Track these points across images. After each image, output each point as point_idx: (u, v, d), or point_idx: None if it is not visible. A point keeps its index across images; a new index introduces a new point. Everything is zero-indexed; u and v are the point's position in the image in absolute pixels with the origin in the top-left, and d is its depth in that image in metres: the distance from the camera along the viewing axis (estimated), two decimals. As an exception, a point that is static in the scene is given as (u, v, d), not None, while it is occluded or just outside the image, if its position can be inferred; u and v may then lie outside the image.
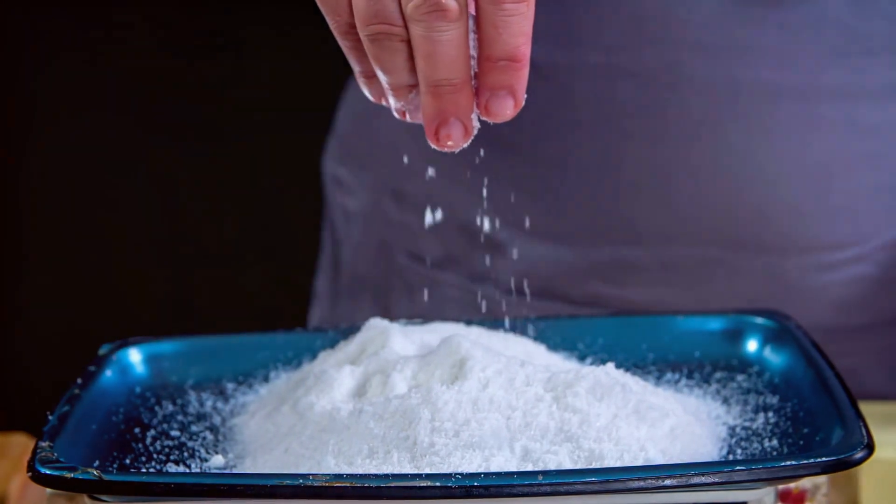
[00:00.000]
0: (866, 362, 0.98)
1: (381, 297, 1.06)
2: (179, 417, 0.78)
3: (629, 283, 0.98)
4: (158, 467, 0.72)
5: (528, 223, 0.99)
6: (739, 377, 0.80)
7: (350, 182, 1.09)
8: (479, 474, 0.64)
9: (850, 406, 0.69)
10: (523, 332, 0.82)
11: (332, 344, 0.81)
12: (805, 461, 0.65)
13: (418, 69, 0.66)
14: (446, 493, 0.63)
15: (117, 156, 1.99)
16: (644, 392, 0.73)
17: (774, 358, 0.80)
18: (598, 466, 0.67)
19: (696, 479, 0.63)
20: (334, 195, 1.12)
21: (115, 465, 0.72)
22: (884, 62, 0.93)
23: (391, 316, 0.82)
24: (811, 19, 0.92)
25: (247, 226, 1.98)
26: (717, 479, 0.64)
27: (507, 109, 0.67)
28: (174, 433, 0.76)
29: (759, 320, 0.82)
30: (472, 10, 0.66)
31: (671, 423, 0.70)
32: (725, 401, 0.77)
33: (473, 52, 0.67)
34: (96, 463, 0.70)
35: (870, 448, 0.65)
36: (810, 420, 0.72)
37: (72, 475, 0.65)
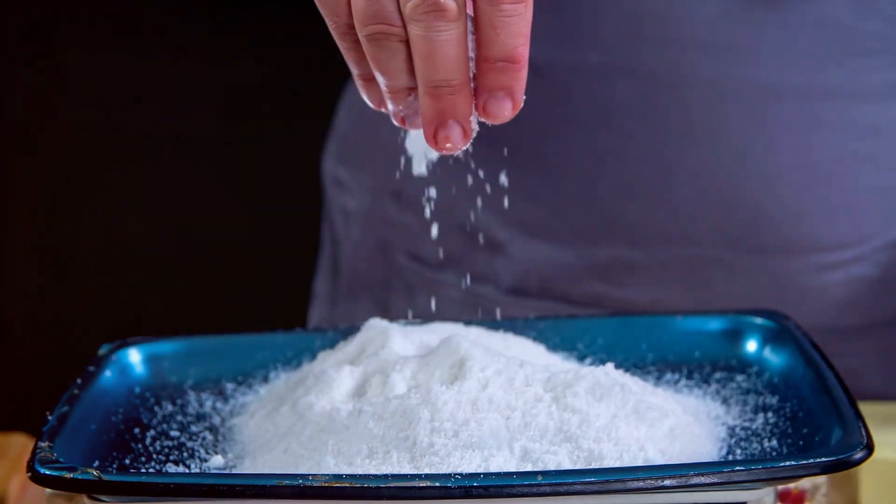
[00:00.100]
0: (866, 363, 0.99)
1: (380, 298, 1.06)
2: (179, 417, 0.78)
3: (629, 284, 0.98)
4: (158, 467, 0.72)
5: (527, 223, 0.99)
6: (739, 377, 0.80)
7: (349, 182, 1.09)
8: (478, 474, 0.64)
9: (850, 406, 0.69)
10: (523, 333, 0.82)
11: (332, 344, 0.81)
12: (804, 461, 0.65)
13: (417, 70, 0.66)
14: (445, 493, 0.63)
15: (117, 155, 1.99)
16: (643, 392, 0.73)
17: (774, 358, 0.80)
18: (597, 467, 0.67)
19: (695, 480, 0.63)
20: (334, 195, 1.12)
21: (114, 466, 0.72)
22: (883, 62, 0.93)
23: (391, 316, 0.82)
24: (811, 19, 0.92)
25: (246, 226, 1.98)
26: (716, 480, 0.64)
27: (505, 111, 0.67)
28: (174, 433, 0.76)
29: (759, 320, 0.82)
30: (470, 12, 0.66)
31: (670, 423, 0.70)
32: (725, 401, 0.77)
33: (472, 54, 0.67)
34: (96, 463, 0.71)
35: (869, 448, 0.65)
36: (810, 420, 0.72)
37: (71, 475, 0.65)
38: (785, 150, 0.94)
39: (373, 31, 0.65)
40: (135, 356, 0.81)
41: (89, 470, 0.66)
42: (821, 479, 0.69)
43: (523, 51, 0.66)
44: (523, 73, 0.66)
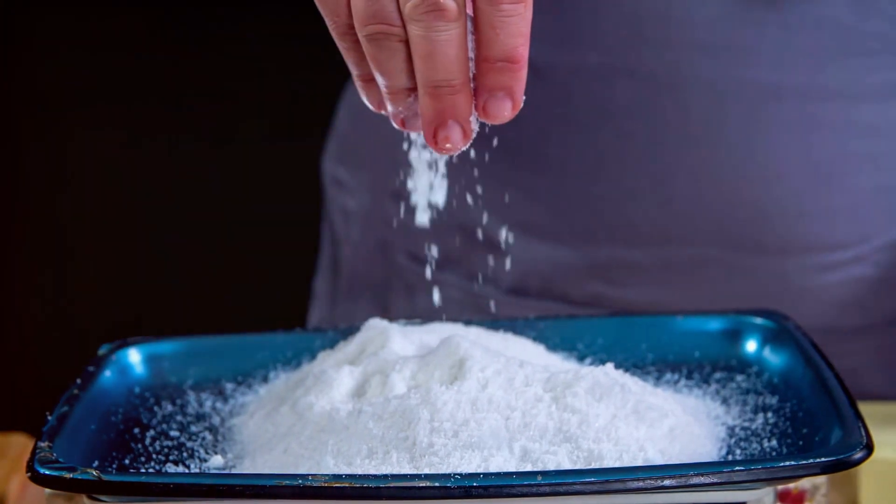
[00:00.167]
0: (866, 363, 0.98)
1: (380, 298, 1.06)
2: (179, 418, 0.78)
3: (629, 284, 0.98)
4: (157, 467, 0.72)
5: (527, 223, 0.99)
6: (739, 377, 0.80)
7: (349, 182, 1.09)
8: (478, 474, 0.64)
9: (850, 406, 0.69)
10: (522, 333, 0.82)
11: (332, 344, 0.81)
12: (804, 461, 0.65)
13: (417, 70, 0.66)
14: (445, 493, 0.63)
15: (116, 155, 1.99)
16: (643, 392, 0.73)
17: (774, 358, 0.80)
18: (597, 467, 0.67)
19: (695, 480, 0.63)
20: (334, 195, 1.12)
21: (114, 466, 0.72)
22: (883, 62, 0.93)
23: (390, 316, 0.82)
24: (811, 19, 0.92)
25: (246, 225, 1.98)
26: (716, 480, 0.64)
27: (504, 111, 0.67)
28: (173, 433, 0.76)
29: (759, 321, 0.82)
30: (470, 12, 0.66)
31: (670, 423, 0.70)
32: (725, 401, 0.77)
33: (471, 55, 0.67)
34: (95, 463, 0.71)
35: (869, 448, 0.65)
36: (809, 420, 0.72)
37: (71, 475, 0.65)
38: (785, 150, 0.94)
39: (372, 31, 0.65)
40: (134, 356, 0.81)
41: (89, 470, 0.65)
42: (820, 480, 0.69)
43: (523, 51, 0.66)
44: (523, 73, 0.66)
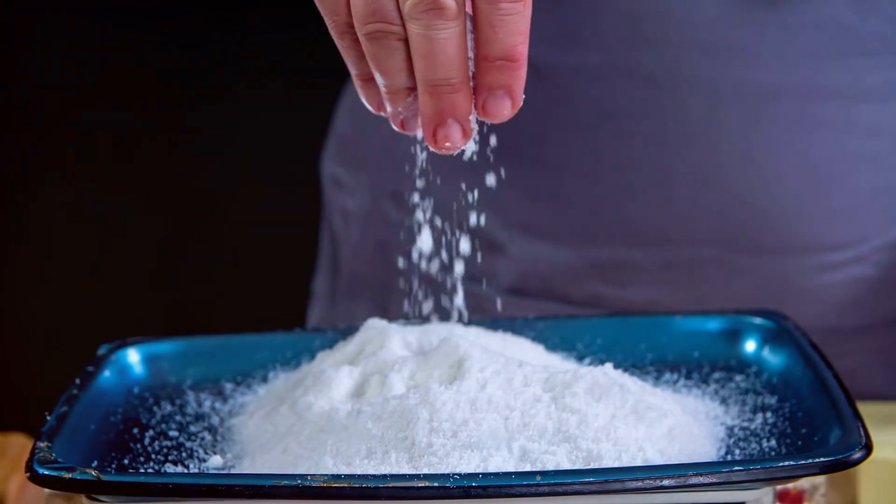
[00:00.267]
0: (865, 363, 0.98)
1: (379, 298, 1.06)
2: (178, 418, 0.78)
3: (628, 284, 0.98)
4: (157, 468, 0.72)
5: (527, 223, 0.99)
6: (738, 377, 0.80)
7: (349, 182, 1.09)
8: (477, 475, 0.64)
9: (849, 406, 0.69)
10: (522, 333, 0.82)
11: (331, 344, 0.81)
12: (803, 461, 0.65)
13: (416, 69, 0.66)
14: (444, 493, 0.63)
15: (116, 155, 1.99)
16: (642, 392, 0.73)
17: (773, 358, 0.80)
18: (596, 467, 0.67)
19: (694, 480, 0.63)
20: (333, 195, 1.11)
21: (113, 466, 0.72)
22: (883, 62, 0.93)
23: (389, 316, 0.82)
24: (811, 19, 0.92)
25: (245, 226, 1.98)
26: (715, 480, 0.64)
27: (504, 109, 0.67)
28: (172, 433, 0.76)
29: (758, 321, 0.82)
30: (469, 10, 0.66)
31: (669, 423, 0.70)
32: (724, 401, 0.77)
33: (471, 54, 0.67)
34: (94, 463, 0.70)
35: (868, 448, 0.65)
36: (809, 420, 0.72)
37: (70, 475, 0.65)
38: (784, 150, 0.94)
39: (372, 30, 0.65)
40: (134, 356, 0.81)
41: (88, 470, 0.65)
42: (820, 480, 0.69)
43: (522, 49, 0.65)
44: (522, 72, 0.66)
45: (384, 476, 0.65)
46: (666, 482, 0.63)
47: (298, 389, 0.75)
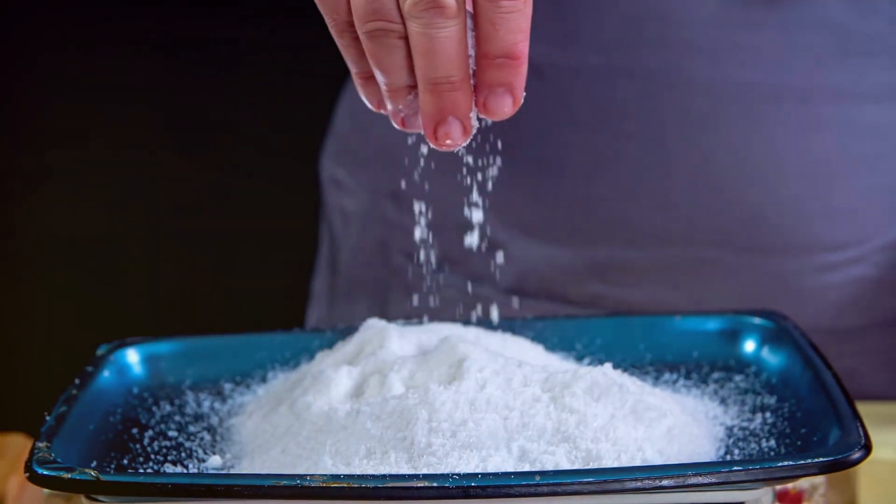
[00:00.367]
0: (864, 363, 0.98)
1: (378, 298, 1.06)
2: (177, 418, 0.78)
3: (627, 284, 0.98)
4: (156, 468, 0.72)
5: (526, 224, 0.99)
6: (737, 377, 0.80)
7: (348, 182, 1.09)
8: (476, 475, 0.64)
9: (848, 406, 0.69)
10: (521, 333, 0.82)
11: (330, 344, 0.81)
12: (802, 461, 0.65)
13: (416, 67, 0.66)
14: (443, 493, 0.63)
15: (115, 155, 1.99)
16: (641, 392, 0.73)
17: (772, 358, 0.80)
18: (595, 467, 0.67)
19: (693, 480, 0.63)
20: (332, 196, 1.11)
21: (112, 466, 0.72)
22: (883, 62, 0.93)
23: (389, 316, 0.82)
24: (811, 20, 0.92)
25: (244, 226, 1.98)
26: (714, 480, 0.63)
27: (505, 107, 0.67)
28: (172, 434, 0.76)
29: (757, 321, 0.82)
30: (469, 8, 0.66)
31: (668, 423, 0.70)
32: (723, 401, 0.77)
33: (471, 52, 0.67)
34: (94, 463, 0.70)
35: (867, 448, 0.65)
36: (808, 420, 0.72)
37: (69, 476, 0.65)
38: (784, 150, 0.94)
39: (372, 28, 0.65)
40: (133, 356, 0.81)
41: (87, 470, 0.65)
42: (819, 479, 0.69)
43: (523, 47, 0.65)
44: (523, 70, 0.66)
45: (383, 476, 0.65)
46: (665, 482, 0.63)
47: (297, 389, 0.75)
